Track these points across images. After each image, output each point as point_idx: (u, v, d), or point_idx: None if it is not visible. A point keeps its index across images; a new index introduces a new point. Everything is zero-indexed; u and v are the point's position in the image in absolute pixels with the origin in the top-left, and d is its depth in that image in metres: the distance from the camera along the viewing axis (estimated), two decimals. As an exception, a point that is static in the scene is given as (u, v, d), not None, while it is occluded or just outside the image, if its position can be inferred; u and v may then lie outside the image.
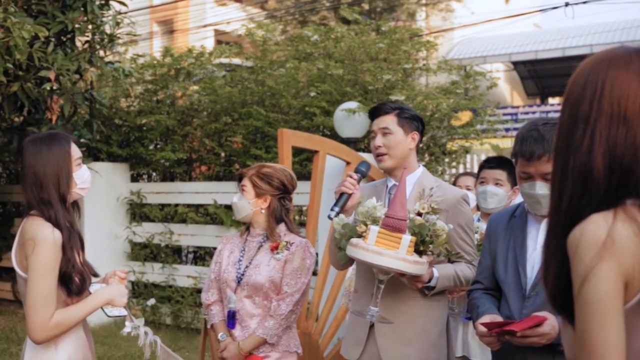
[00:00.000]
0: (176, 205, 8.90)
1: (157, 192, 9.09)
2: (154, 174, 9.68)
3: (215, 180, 8.91)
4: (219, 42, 25.11)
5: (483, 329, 2.75)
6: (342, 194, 3.35)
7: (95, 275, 3.13)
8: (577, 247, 1.55)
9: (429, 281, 3.22)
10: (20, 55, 5.74)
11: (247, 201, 3.77)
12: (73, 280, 2.91)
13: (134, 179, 9.54)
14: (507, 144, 11.42)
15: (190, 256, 9.39)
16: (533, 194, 2.83)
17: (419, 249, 3.01)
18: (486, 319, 2.81)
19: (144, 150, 9.10)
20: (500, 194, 4.22)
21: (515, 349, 2.72)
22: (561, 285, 1.62)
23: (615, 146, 1.58)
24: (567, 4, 14.01)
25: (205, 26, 20.01)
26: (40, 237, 2.80)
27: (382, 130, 3.48)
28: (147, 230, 8.97)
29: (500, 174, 4.25)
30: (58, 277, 2.85)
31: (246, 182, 3.79)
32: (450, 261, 3.38)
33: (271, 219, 3.77)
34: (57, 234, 2.84)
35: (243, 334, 3.69)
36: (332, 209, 3.31)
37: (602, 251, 1.51)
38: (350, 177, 3.41)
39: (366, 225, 3.03)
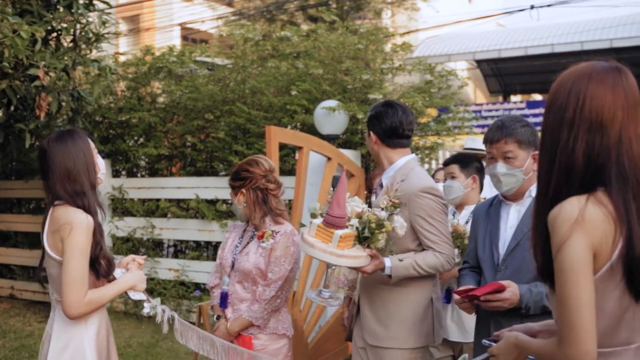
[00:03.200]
0: (158, 200, 9.10)
1: (138, 187, 9.26)
2: (136, 169, 9.84)
3: (196, 176, 9.10)
4: (185, 39, 25.16)
5: (457, 296, 3.23)
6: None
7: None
8: (555, 221, 1.93)
9: (383, 270, 3.51)
10: (20, 55, 5.91)
11: (235, 204, 4.08)
12: (101, 264, 3.18)
13: (116, 174, 9.69)
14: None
15: (171, 249, 9.57)
16: (495, 173, 3.34)
17: (364, 242, 3.36)
18: (460, 288, 3.26)
19: (125, 146, 9.27)
20: (454, 185, 4.64)
21: (491, 315, 3.21)
22: (546, 258, 1.99)
23: (593, 148, 1.96)
24: (532, 7, 14.44)
25: (179, 25, 20.06)
26: (76, 222, 3.05)
27: None
28: (129, 225, 9.14)
29: (453, 168, 4.72)
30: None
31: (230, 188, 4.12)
32: (422, 249, 3.64)
33: (252, 207, 4.02)
34: (90, 219, 3.10)
35: (234, 315, 3.99)
36: None
37: (575, 225, 1.89)
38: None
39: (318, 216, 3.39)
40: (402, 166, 3.75)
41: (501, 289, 3.02)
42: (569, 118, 1.99)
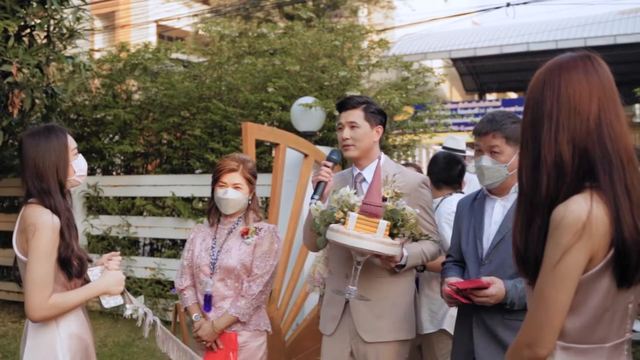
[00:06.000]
0: (133, 198, 9.03)
1: (114, 185, 9.18)
2: (111, 167, 9.75)
3: (172, 173, 9.06)
4: (161, 36, 25.01)
5: (448, 289, 3.21)
6: (319, 182, 3.64)
7: (89, 260, 3.30)
8: (560, 222, 1.90)
9: (400, 259, 3.53)
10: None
11: (243, 196, 3.99)
12: (72, 264, 3.09)
13: (91, 172, 9.59)
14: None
15: (147, 248, 9.50)
16: (479, 166, 3.35)
17: (392, 232, 3.32)
18: (452, 281, 3.25)
19: (100, 143, 9.19)
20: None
21: (474, 311, 3.22)
22: (539, 257, 1.96)
23: (575, 134, 1.94)
24: (508, 4, 14.53)
25: (155, 22, 19.93)
26: (40, 222, 2.98)
27: (350, 124, 3.75)
28: (104, 223, 9.08)
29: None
30: (58, 262, 3.04)
31: (239, 178, 3.98)
32: (414, 240, 3.64)
33: (253, 206, 4.06)
34: (56, 219, 3.02)
35: (216, 314, 3.94)
36: (312, 197, 3.59)
37: (582, 231, 1.86)
38: (326, 165, 3.69)
39: (344, 212, 3.33)
40: (385, 162, 3.81)
41: (485, 287, 3.05)
42: (547, 111, 1.98)
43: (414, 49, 21.52)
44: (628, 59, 19.26)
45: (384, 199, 3.41)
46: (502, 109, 19.89)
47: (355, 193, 3.50)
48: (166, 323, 8.15)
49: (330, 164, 3.72)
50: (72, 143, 3.24)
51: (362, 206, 3.25)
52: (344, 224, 3.27)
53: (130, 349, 7.27)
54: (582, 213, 1.87)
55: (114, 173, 9.79)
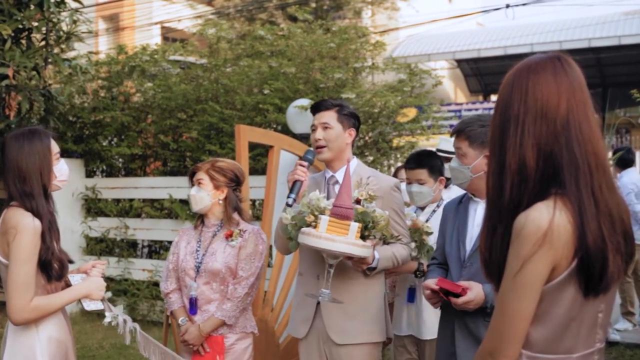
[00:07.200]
0: (131, 200, 9.04)
1: (112, 187, 9.20)
2: (109, 169, 9.77)
3: (170, 175, 9.07)
4: (165, 38, 25.04)
5: (427, 290, 3.24)
6: (295, 181, 3.65)
7: (71, 261, 3.31)
8: (521, 231, 1.84)
9: (372, 261, 3.54)
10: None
11: (206, 193, 4.00)
12: (52, 267, 3.10)
13: (89, 174, 9.62)
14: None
15: (145, 250, 9.52)
16: (449, 165, 3.46)
17: (363, 234, 3.34)
18: (430, 282, 3.26)
19: (98, 146, 9.21)
20: (424, 191, 4.53)
21: (455, 315, 3.22)
22: (502, 263, 1.91)
23: (541, 137, 1.88)
24: (507, 6, 14.50)
25: (156, 23, 19.96)
26: (21, 225, 2.99)
27: (322, 125, 3.78)
28: (102, 225, 9.09)
29: (421, 173, 4.52)
30: (38, 264, 3.05)
31: (202, 175, 4.02)
32: (385, 243, 3.68)
33: (228, 208, 4.04)
34: (37, 222, 3.03)
35: (202, 317, 3.94)
36: (289, 197, 3.60)
37: (542, 240, 1.80)
38: (301, 165, 3.71)
39: (315, 215, 3.34)
40: (357, 165, 3.87)
41: (458, 295, 3.06)
42: (514, 113, 1.92)
43: (417, 50, 21.51)
44: (633, 60, 19.23)
45: (358, 201, 3.44)
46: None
47: (327, 196, 3.53)
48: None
49: (305, 163, 3.74)
50: (55, 147, 3.25)
51: (333, 209, 3.27)
52: (315, 227, 3.29)
53: (127, 351, 7.26)
54: (543, 222, 1.81)
55: (113, 175, 9.81)
